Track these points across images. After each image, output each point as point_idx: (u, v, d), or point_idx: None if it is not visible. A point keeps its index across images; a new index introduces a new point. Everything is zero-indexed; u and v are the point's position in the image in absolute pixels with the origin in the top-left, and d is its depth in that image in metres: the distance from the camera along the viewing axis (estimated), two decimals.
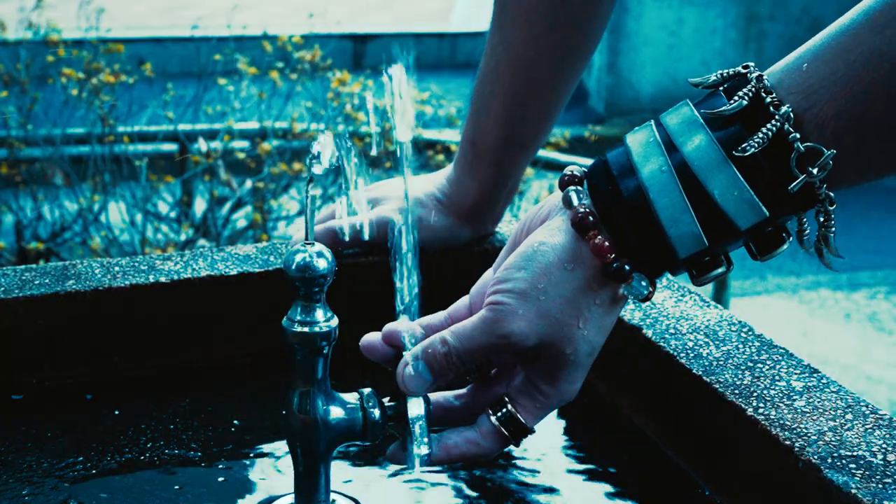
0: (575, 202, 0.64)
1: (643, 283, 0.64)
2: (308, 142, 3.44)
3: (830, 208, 0.60)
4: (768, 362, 0.76)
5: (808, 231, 0.62)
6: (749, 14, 6.47)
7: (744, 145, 0.59)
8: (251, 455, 0.77)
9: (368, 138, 3.41)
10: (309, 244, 0.64)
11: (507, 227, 1.00)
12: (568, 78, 0.91)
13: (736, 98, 0.60)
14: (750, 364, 0.75)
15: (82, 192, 3.34)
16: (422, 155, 3.47)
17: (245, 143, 3.61)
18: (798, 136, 0.58)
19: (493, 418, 0.66)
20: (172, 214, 3.46)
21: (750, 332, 0.81)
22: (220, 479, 0.74)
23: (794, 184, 0.58)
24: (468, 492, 0.74)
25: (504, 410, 0.66)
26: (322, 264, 0.63)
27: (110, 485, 0.73)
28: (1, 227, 3.51)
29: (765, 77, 0.60)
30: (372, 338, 0.70)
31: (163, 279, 0.88)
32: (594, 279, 0.64)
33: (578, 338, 0.64)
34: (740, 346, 0.78)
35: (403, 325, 0.69)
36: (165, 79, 3.92)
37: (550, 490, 0.75)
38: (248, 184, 3.37)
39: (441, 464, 0.68)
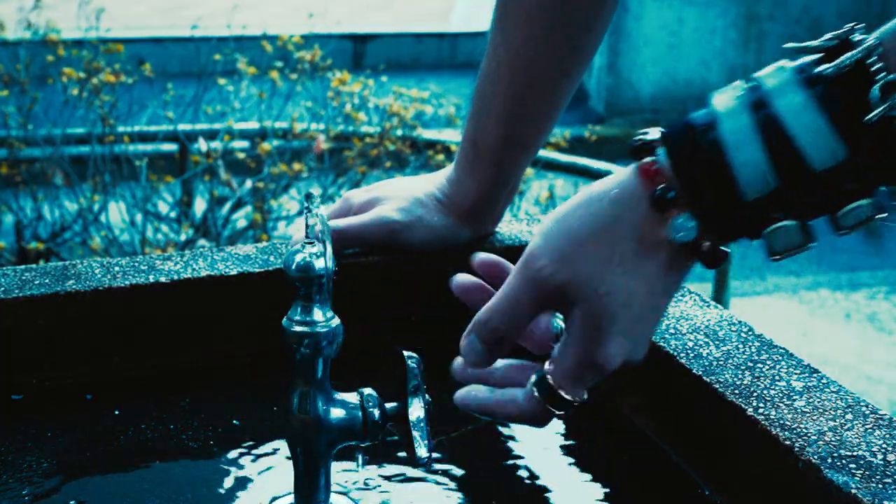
0: (645, 138, 0.59)
1: (690, 225, 0.57)
2: (308, 141, 3.44)
3: None
4: (768, 362, 0.76)
5: (855, 206, 0.56)
6: (749, 14, 6.47)
7: (819, 68, 0.55)
8: (251, 455, 0.77)
9: (368, 138, 3.42)
10: (309, 244, 0.64)
11: (507, 227, 1.00)
12: (569, 78, 0.91)
13: (830, 38, 0.56)
14: (750, 364, 0.75)
15: (82, 192, 3.34)
16: (422, 155, 3.47)
17: (245, 143, 3.61)
18: (882, 65, 0.53)
19: (531, 385, 0.63)
20: (172, 214, 3.46)
21: (750, 332, 0.81)
22: (220, 479, 0.74)
23: (873, 114, 0.53)
24: (467, 492, 0.74)
25: (539, 374, 0.63)
26: (322, 264, 0.63)
27: (110, 485, 0.73)
28: (1, 227, 3.51)
29: (860, 27, 0.56)
30: (465, 278, 0.67)
31: (163, 279, 0.88)
32: (635, 209, 0.58)
33: (611, 276, 0.58)
34: (740, 346, 0.79)
35: (502, 262, 0.66)
36: (165, 79, 3.92)
37: (550, 490, 0.75)
38: (248, 184, 3.37)
39: (482, 410, 0.65)
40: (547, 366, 0.64)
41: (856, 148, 0.54)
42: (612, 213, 0.59)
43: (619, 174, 0.61)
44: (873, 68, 0.54)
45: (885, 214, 0.56)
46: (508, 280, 0.63)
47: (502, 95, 0.90)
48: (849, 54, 0.55)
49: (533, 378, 0.65)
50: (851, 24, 0.57)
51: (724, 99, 0.58)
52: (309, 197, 0.62)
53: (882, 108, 0.53)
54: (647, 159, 0.58)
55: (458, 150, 0.95)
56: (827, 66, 0.55)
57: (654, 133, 0.60)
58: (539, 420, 0.65)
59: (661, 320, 0.64)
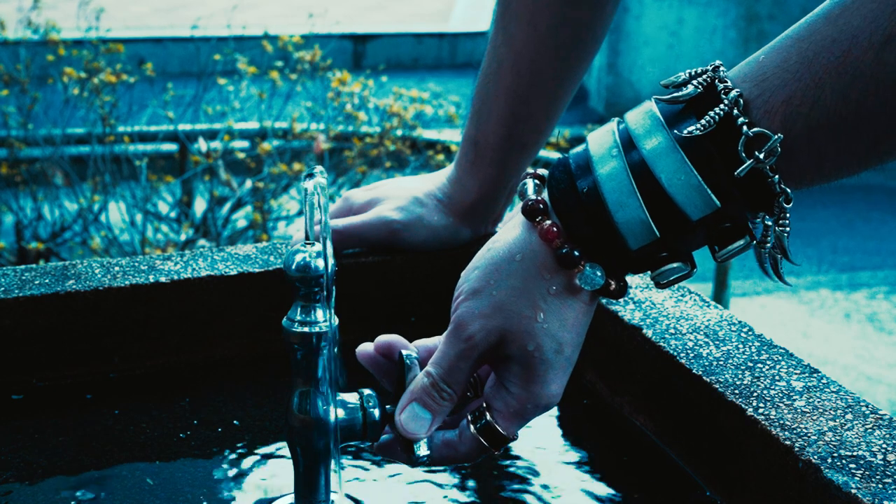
0: (529, 193, 0.64)
1: (597, 273, 0.62)
2: (308, 141, 3.44)
3: (787, 206, 0.58)
4: (768, 362, 0.76)
5: (769, 241, 0.61)
6: (749, 14, 6.47)
7: (690, 128, 0.58)
8: (251, 455, 0.77)
9: (368, 138, 3.42)
10: (309, 244, 0.64)
11: None
12: (571, 78, 0.91)
13: (690, 86, 0.60)
14: (750, 364, 0.75)
15: (82, 192, 3.34)
16: (422, 155, 3.47)
17: (245, 143, 3.61)
18: (746, 120, 0.57)
19: (471, 426, 0.66)
20: (172, 214, 3.46)
21: (750, 332, 0.81)
22: (220, 478, 0.74)
23: (742, 168, 0.57)
24: (468, 492, 0.74)
25: (482, 419, 0.66)
26: (322, 264, 0.63)
27: (110, 485, 0.73)
28: (1, 227, 3.52)
29: (721, 68, 0.60)
30: (367, 347, 0.70)
31: (163, 279, 0.88)
32: (545, 267, 0.63)
33: (539, 332, 0.63)
34: (740, 346, 0.79)
35: (399, 342, 0.69)
36: (165, 79, 3.92)
37: (550, 490, 0.75)
38: (248, 184, 3.37)
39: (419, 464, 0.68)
40: (487, 414, 0.66)
41: (729, 198, 0.59)
42: (526, 276, 0.63)
43: (515, 232, 0.64)
44: (738, 122, 0.57)
45: (766, 241, 0.61)
46: (441, 348, 0.66)
47: (503, 95, 0.90)
48: (712, 112, 0.58)
49: (470, 423, 0.66)
50: (712, 65, 0.61)
51: (599, 142, 0.62)
52: (310, 176, 0.62)
53: (748, 163, 0.57)
54: (546, 223, 0.62)
55: (459, 149, 0.95)
56: (694, 127, 0.58)
57: (533, 185, 0.65)
58: (472, 459, 0.68)
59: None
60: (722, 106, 0.58)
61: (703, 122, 0.58)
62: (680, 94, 0.60)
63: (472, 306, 0.64)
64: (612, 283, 0.63)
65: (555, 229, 0.62)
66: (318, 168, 0.63)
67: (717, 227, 0.60)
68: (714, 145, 0.58)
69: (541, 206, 0.63)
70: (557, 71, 0.90)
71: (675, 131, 0.59)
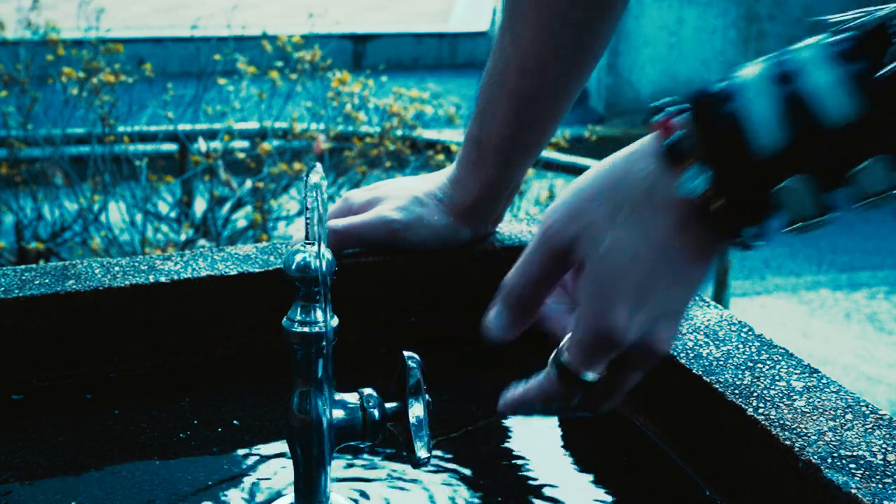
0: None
1: (701, 178, 0.54)
2: (308, 141, 3.44)
3: None
4: (768, 362, 0.76)
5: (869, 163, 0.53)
6: (749, 14, 6.47)
7: (844, 34, 0.53)
8: (251, 455, 0.77)
9: (368, 138, 3.42)
10: (309, 244, 0.64)
11: (507, 227, 1.00)
12: (577, 80, 0.91)
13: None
14: (750, 364, 0.75)
15: (82, 192, 3.34)
16: (422, 155, 3.47)
17: (245, 143, 3.61)
18: None
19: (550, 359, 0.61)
20: (172, 214, 3.46)
21: (750, 332, 0.81)
22: (220, 479, 0.74)
23: (884, 71, 0.52)
24: (468, 492, 0.74)
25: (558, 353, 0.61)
26: (322, 264, 0.63)
27: (110, 485, 0.73)
28: (1, 227, 3.52)
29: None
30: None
31: (163, 279, 0.88)
32: (647, 161, 0.56)
33: (614, 234, 0.56)
34: (740, 346, 0.79)
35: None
36: (165, 79, 3.92)
37: (550, 490, 0.75)
38: (248, 184, 3.37)
39: (513, 406, 0.64)
40: (563, 341, 0.62)
41: (871, 102, 0.53)
42: (623, 168, 0.57)
43: (642, 139, 0.59)
44: (891, 30, 0.53)
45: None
46: (529, 247, 0.63)
47: (508, 96, 0.90)
48: (872, 17, 0.53)
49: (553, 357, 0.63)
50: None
51: (749, 66, 0.57)
52: (310, 170, 0.62)
53: (892, 66, 0.52)
54: (663, 114, 0.57)
55: (461, 149, 0.95)
56: (853, 28, 0.54)
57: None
58: (562, 402, 0.62)
59: (686, 304, 0.61)
60: (881, 15, 0.53)
61: (858, 22, 0.54)
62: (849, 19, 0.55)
63: (558, 202, 0.59)
64: (718, 201, 0.55)
65: (673, 120, 0.55)
66: (317, 168, 0.63)
67: (853, 148, 0.53)
68: (865, 48, 0.53)
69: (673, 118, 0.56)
70: (564, 73, 0.90)
71: (831, 39, 0.54)
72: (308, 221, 0.63)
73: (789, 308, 4.16)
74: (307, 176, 0.62)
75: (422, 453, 0.66)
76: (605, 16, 0.88)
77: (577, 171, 3.33)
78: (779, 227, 0.56)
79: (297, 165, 3.35)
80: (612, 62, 6.37)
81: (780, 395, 0.71)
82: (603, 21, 0.88)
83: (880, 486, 0.61)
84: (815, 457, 0.63)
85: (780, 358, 0.76)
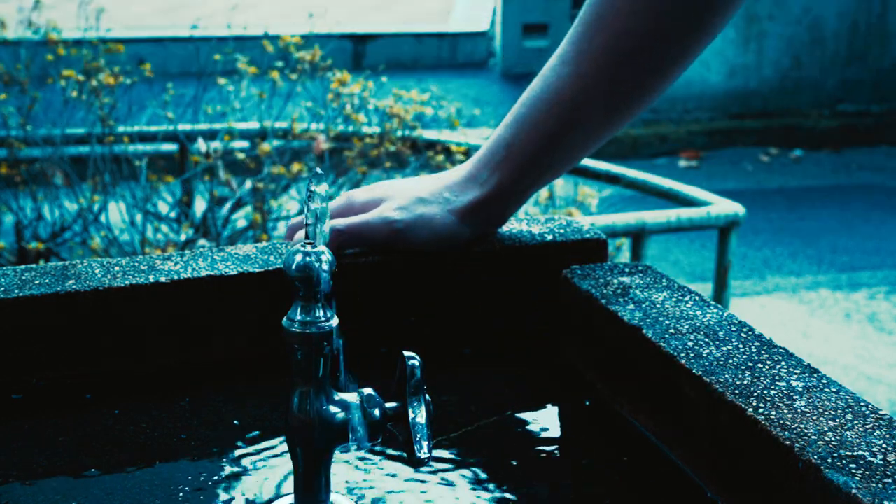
0: None
1: None
2: (308, 142, 3.44)
3: None
4: (768, 362, 0.76)
5: None
6: (749, 14, 6.47)
7: None
8: (251, 455, 0.77)
9: (368, 138, 3.42)
10: (309, 244, 0.64)
11: (507, 226, 1.00)
12: (625, 118, 0.93)
13: None
14: (750, 364, 0.75)
15: (82, 192, 3.34)
16: (422, 155, 3.47)
17: (245, 143, 3.61)
18: None
19: None
20: (172, 214, 3.46)
21: (750, 332, 0.81)
22: (220, 479, 0.74)
23: None
24: (468, 492, 0.74)
25: None
26: (322, 265, 0.63)
27: (110, 485, 0.73)
28: (1, 227, 3.52)
29: None
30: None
31: (163, 279, 0.88)
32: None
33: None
34: (740, 346, 0.79)
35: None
36: (165, 79, 3.92)
37: (549, 490, 0.75)
38: (248, 184, 3.37)
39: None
40: None
41: None
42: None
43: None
44: None
45: None
46: None
47: (557, 118, 0.91)
48: None
49: None
50: None
51: None
52: (316, 175, 0.62)
53: None
54: None
55: (484, 147, 0.95)
56: None
57: None
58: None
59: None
60: None
61: None
62: None
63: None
64: None
65: None
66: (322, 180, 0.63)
67: None
68: None
69: None
70: (628, 111, 0.92)
71: None
72: (308, 221, 0.63)
73: (789, 308, 4.16)
74: (310, 182, 0.62)
75: (422, 453, 0.66)
76: (684, 52, 0.90)
77: (576, 170, 3.33)
78: None
79: (296, 165, 3.35)
80: None
81: (780, 395, 0.71)
82: (681, 58, 0.90)
83: (880, 486, 0.61)
84: (815, 457, 0.63)
85: (780, 358, 0.76)
